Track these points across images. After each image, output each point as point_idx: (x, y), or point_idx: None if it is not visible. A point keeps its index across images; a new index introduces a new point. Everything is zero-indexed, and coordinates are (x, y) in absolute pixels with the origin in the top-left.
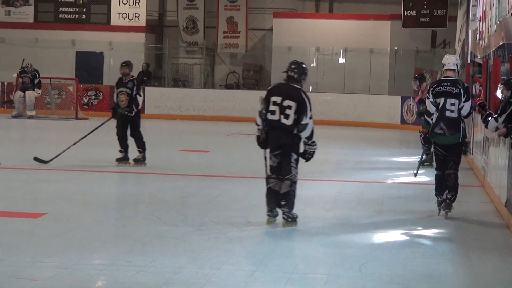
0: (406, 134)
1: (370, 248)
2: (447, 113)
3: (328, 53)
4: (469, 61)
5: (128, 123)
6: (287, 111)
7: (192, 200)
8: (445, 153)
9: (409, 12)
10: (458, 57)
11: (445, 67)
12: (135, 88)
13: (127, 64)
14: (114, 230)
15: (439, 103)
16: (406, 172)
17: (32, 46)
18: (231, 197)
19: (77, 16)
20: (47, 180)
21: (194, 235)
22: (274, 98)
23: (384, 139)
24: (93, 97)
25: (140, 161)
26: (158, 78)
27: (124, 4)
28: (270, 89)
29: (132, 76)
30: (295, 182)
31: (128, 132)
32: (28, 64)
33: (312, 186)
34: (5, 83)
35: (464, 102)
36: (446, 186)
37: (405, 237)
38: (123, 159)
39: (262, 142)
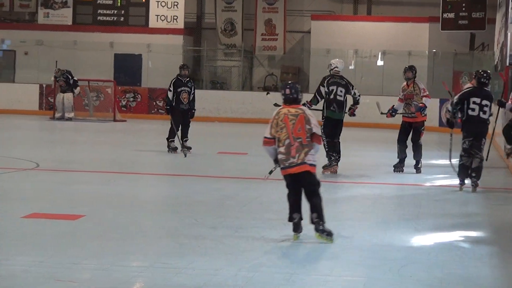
0: (445, 137)
1: (408, 251)
2: None
3: (366, 56)
4: (508, 64)
5: (185, 117)
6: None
7: (230, 202)
8: None
9: (447, 15)
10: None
11: None
12: (193, 87)
13: (187, 67)
14: (152, 232)
15: None
16: (445, 174)
17: (70, 48)
18: (269, 199)
19: (115, 18)
20: (85, 182)
21: (232, 237)
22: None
23: (422, 142)
24: (131, 99)
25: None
26: (196, 81)
27: (162, 6)
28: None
29: (189, 77)
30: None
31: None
32: (56, 69)
33: (350, 188)
34: (44, 85)
35: None
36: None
37: (443, 240)
38: (184, 147)
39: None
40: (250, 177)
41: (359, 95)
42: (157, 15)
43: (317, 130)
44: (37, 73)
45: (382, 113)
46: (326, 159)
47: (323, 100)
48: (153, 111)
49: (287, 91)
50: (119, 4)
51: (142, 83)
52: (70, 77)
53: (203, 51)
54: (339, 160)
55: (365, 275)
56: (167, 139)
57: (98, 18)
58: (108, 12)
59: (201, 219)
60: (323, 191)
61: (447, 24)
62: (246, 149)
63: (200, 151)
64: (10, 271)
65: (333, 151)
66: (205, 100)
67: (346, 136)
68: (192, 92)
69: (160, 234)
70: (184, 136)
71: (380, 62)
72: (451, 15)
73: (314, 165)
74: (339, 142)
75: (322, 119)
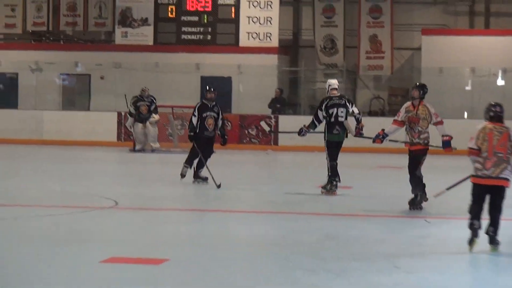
0: None
1: None
2: None
3: (485, 75)
4: None
5: (209, 145)
6: None
7: (331, 243)
8: None
9: None
10: None
11: None
12: (221, 113)
13: (214, 90)
14: (243, 276)
15: None
16: None
17: (151, 71)
18: (375, 239)
19: (201, 37)
20: (169, 221)
21: (334, 282)
22: None
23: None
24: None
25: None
26: (293, 105)
27: (254, 22)
28: None
29: (215, 102)
30: None
31: None
32: (145, 88)
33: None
34: (122, 113)
35: None
36: None
37: None
38: (198, 177)
39: None
40: (353, 214)
41: (358, 113)
42: (249, 33)
43: None
44: (114, 99)
45: (357, 136)
46: (328, 181)
47: (324, 122)
48: (244, 141)
49: (498, 108)
50: (205, 21)
51: (232, 109)
52: (154, 101)
53: (301, 72)
54: (339, 182)
55: None
56: (195, 168)
57: (183, 37)
58: (193, 30)
59: (298, 261)
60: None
61: None
62: (349, 182)
63: (297, 185)
64: None
65: (336, 175)
66: None
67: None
68: (221, 117)
69: (253, 278)
70: (201, 166)
71: (500, 82)
72: None
73: (509, 180)
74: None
75: (324, 141)
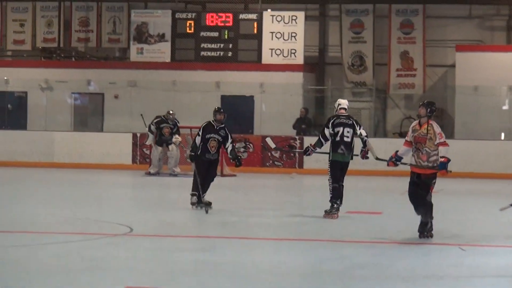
0: None
1: None
2: None
3: None
4: None
5: (211, 168)
6: None
7: (361, 272)
8: None
9: None
10: None
11: None
12: (229, 137)
13: (223, 111)
14: None
15: None
16: None
17: (169, 90)
18: (407, 267)
19: (222, 53)
20: (187, 248)
21: None
22: None
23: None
24: (241, 149)
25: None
26: (319, 126)
27: (278, 38)
28: None
29: (223, 124)
30: None
31: None
32: (172, 111)
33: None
34: (138, 134)
35: None
36: None
37: None
38: (200, 202)
39: None
40: (384, 242)
41: (366, 136)
42: (272, 49)
43: None
44: (129, 119)
45: (364, 158)
46: (329, 204)
47: (329, 142)
48: (268, 164)
49: None
50: (226, 37)
51: (254, 130)
52: (177, 124)
53: (327, 91)
54: (340, 206)
55: None
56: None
57: (202, 53)
58: (213, 46)
59: None
60: None
61: None
62: (379, 207)
63: (323, 211)
64: None
65: (338, 198)
66: None
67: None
68: (230, 141)
69: None
70: (204, 190)
71: None
72: None
73: None
74: (343, 186)
75: (328, 162)
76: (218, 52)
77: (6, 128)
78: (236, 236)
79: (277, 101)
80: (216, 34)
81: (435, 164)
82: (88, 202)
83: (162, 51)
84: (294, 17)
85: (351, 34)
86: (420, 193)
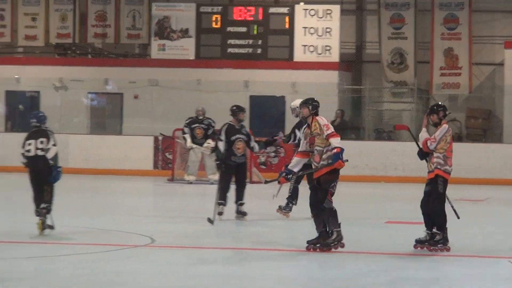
0: None
1: None
2: None
3: None
4: None
5: (239, 173)
6: None
7: (405, 285)
8: None
9: None
10: None
11: None
12: (250, 136)
13: (244, 109)
14: None
15: None
16: None
17: (193, 89)
18: (454, 282)
19: (250, 50)
20: (211, 261)
21: None
22: None
23: None
24: (272, 154)
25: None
26: (356, 129)
27: (311, 34)
28: None
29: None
30: None
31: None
32: (200, 108)
33: None
34: (160, 138)
35: None
36: None
37: None
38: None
39: None
40: (429, 254)
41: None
42: (305, 46)
43: None
44: (150, 121)
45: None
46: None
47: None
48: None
49: None
50: (255, 33)
51: (286, 132)
52: (212, 125)
53: (365, 91)
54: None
55: None
56: (236, 202)
57: (229, 50)
58: (241, 42)
59: None
60: None
61: None
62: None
63: (363, 220)
64: None
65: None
66: (368, 154)
67: None
68: (253, 140)
69: None
70: (239, 198)
71: None
72: None
73: None
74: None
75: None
76: (246, 49)
77: (17, 130)
78: (264, 248)
79: None
80: (244, 29)
81: (330, 161)
82: (107, 211)
83: (186, 48)
84: (329, 11)
85: (390, 29)
86: (318, 198)
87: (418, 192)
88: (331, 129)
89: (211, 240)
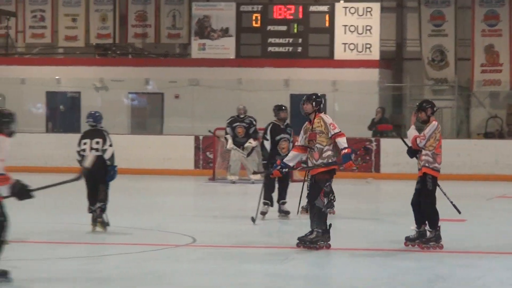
0: None
1: None
2: None
3: None
4: None
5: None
6: None
7: (445, 285)
8: None
9: None
10: None
11: None
12: (293, 135)
13: (286, 109)
14: None
15: None
16: None
17: (234, 88)
18: (497, 280)
19: (291, 49)
20: (253, 260)
21: None
22: None
23: None
24: None
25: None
26: (397, 127)
27: (352, 32)
28: None
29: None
30: None
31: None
32: (241, 106)
33: None
34: (200, 137)
35: None
36: None
37: None
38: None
39: None
40: (470, 251)
41: None
42: (345, 44)
43: None
44: (191, 121)
45: None
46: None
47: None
48: (341, 168)
49: None
50: (295, 31)
51: None
52: (254, 123)
53: (406, 89)
54: None
55: None
56: (278, 201)
57: (269, 49)
58: (281, 41)
59: None
60: None
61: None
62: (463, 214)
63: (402, 218)
64: None
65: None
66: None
67: None
68: (291, 140)
69: None
70: (282, 197)
71: None
72: None
73: None
74: None
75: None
76: (286, 48)
77: (59, 131)
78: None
79: (351, 100)
80: (284, 28)
81: (330, 161)
82: (148, 211)
83: (226, 47)
84: (369, 9)
85: (431, 26)
86: (311, 194)
87: (461, 189)
88: (338, 129)
89: (253, 239)
